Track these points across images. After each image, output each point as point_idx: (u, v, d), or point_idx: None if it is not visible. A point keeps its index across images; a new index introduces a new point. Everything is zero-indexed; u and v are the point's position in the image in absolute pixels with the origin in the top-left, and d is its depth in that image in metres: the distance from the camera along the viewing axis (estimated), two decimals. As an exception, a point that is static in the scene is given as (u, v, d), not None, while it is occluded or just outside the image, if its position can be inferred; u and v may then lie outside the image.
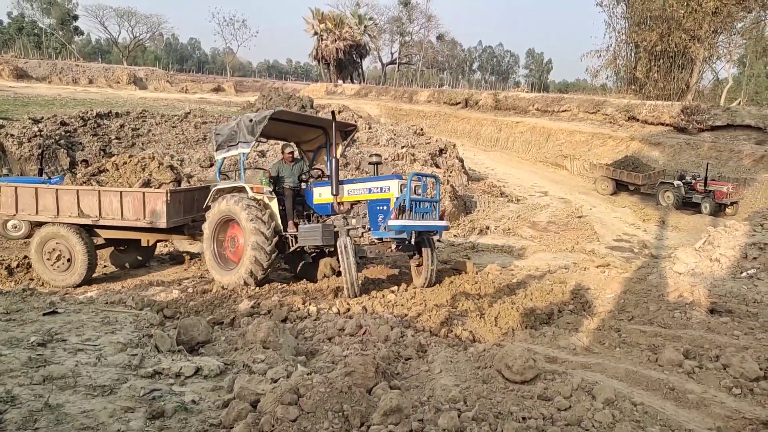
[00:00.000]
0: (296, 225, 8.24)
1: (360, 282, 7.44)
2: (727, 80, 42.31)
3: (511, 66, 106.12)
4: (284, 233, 8.20)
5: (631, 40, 37.93)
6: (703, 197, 21.09)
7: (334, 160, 7.93)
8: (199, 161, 17.65)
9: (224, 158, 9.00)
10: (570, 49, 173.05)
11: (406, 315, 6.25)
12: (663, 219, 19.67)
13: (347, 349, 4.76)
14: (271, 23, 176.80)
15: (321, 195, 8.32)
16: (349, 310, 6.59)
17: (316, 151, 9.72)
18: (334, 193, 7.84)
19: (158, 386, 3.54)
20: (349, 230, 7.84)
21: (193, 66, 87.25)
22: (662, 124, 29.89)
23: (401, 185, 7.36)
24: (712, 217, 20.09)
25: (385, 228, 7.24)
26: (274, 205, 8.23)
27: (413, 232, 7.24)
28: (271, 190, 8.40)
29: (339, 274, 8.83)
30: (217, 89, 54.27)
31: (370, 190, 7.76)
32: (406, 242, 7.30)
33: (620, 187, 24.68)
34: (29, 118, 18.89)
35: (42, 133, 17.44)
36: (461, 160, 22.60)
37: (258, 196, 8.20)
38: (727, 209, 20.73)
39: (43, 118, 19.41)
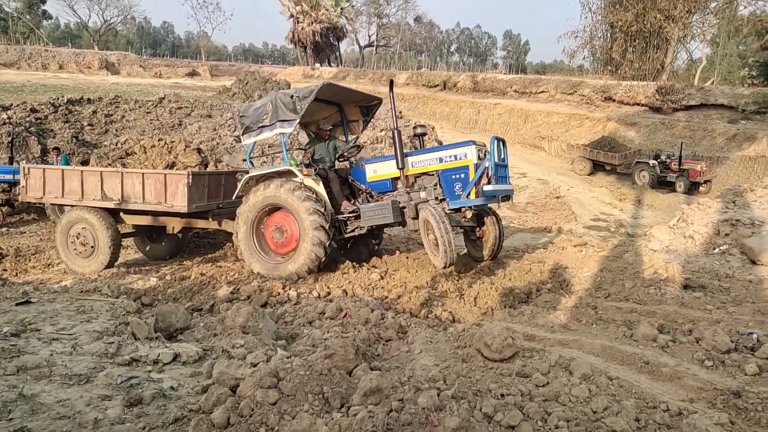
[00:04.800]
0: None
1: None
2: (700, 60, 42.91)
3: (489, 48, 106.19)
4: (337, 216, 7.71)
5: (607, 20, 38.09)
6: (677, 176, 21.48)
7: (396, 132, 7.41)
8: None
9: (255, 143, 8.21)
10: (547, 30, 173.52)
11: (386, 297, 6.27)
12: (639, 198, 19.98)
13: (328, 332, 4.76)
14: (245, 6, 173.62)
15: (376, 171, 7.85)
16: (329, 293, 6.60)
17: (331, 130, 9.10)
18: (401, 166, 7.45)
19: (136, 374, 3.51)
20: (417, 204, 7.42)
21: (167, 50, 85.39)
22: (638, 104, 30.24)
23: (478, 151, 7.09)
24: (686, 195, 20.48)
25: (467, 196, 6.93)
26: (322, 189, 7.70)
27: (500, 197, 7.08)
28: (316, 172, 7.86)
29: (371, 255, 8.76)
30: (192, 74, 53.29)
31: (441, 160, 7.31)
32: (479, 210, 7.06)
33: (597, 167, 24.98)
34: (-3, 105, 18.37)
35: (11, 120, 16.94)
36: (440, 143, 22.59)
37: (308, 181, 7.63)
38: (700, 187, 21.15)
39: (12, 104, 18.84)
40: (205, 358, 3.99)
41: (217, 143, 16.84)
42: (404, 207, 7.48)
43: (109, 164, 12.84)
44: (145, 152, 13.42)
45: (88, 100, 21.75)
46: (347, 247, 8.98)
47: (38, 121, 18.17)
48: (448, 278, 7.07)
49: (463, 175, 7.09)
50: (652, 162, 22.24)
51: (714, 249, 7.22)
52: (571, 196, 19.25)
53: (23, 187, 8.93)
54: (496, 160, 7.05)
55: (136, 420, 2.94)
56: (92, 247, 8.45)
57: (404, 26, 77.13)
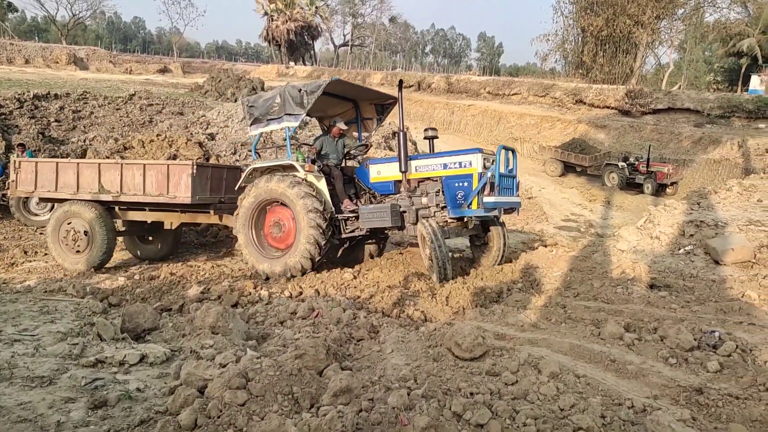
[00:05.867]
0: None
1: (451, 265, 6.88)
2: (668, 65, 43.98)
3: (463, 49, 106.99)
4: (337, 216, 7.56)
5: (579, 24, 38.75)
6: (645, 178, 21.95)
7: (401, 133, 7.27)
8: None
9: (261, 134, 8.25)
10: (521, 33, 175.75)
11: (358, 297, 6.26)
12: (608, 199, 20.36)
13: (299, 332, 4.72)
14: (219, 2, 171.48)
15: (380, 173, 7.73)
16: (301, 293, 6.56)
17: (346, 130, 8.91)
18: (403, 169, 7.25)
19: (101, 375, 3.44)
20: (418, 210, 7.28)
21: (138, 46, 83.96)
22: (608, 108, 30.84)
23: (485, 159, 6.92)
24: (653, 196, 20.93)
25: (468, 206, 6.78)
26: (323, 185, 7.57)
27: (502, 209, 6.91)
28: (319, 168, 7.73)
29: (374, 257, 8.68)
30: (164, 70, 52.51)
31: (445, 166, 7.15)
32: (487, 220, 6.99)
33: (568, 168, 25.39)
34: (-41, 100, 17.81)
35: (-26, 115, 16.47)
36: (414, 144, 22.65)
37: (310, 177, 7.51)
38: (667, 189, 21.64)
39: (-26, 99, 18.33)
40: (173, 359, 3.93)
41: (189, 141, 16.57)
42: (405, 211, 7.34)
43: (107, 157, 12.52)
44: (144, 146, 13.10)
45: (55, 95, 21.23)
46: (339, 252, 8.83)
47: (2, 116, 17.69)
48: (420, 278, 7.10)
49: (466, 184, 6.94)
50: (621, 164, 22.70)
51: (679, 249, 7.38)
52: (543, 196, 19.52)
53: (13, 181, 8.66)
54: (502, 170, 6.93)
55: (100, 422, 2.88)
56: (86, 242, 8.22)
57: (379, 26, 77.26)
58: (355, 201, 7.88)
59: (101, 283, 7.12)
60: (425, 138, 8.10)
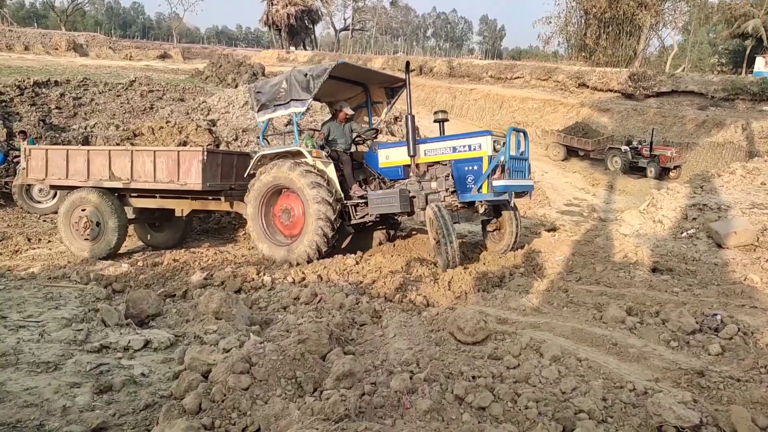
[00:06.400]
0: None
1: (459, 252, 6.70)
2: (672, 47, 43.54)
3: (465, 33, 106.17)
4: (346, 202, 7.51)
5: (581, 6, 38.33)
6: (648, 162, 21.84)
7: (409, 116, 7.21)
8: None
9: (269, 120, 8.16)
10: (523, 15, 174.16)
11: (361, 282, 6.28)
12: (611, 183, 20.28)
13: (302, 317, 4.75)
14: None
15: (389, 157, 7.67)
16: (304, 279, 6.58)
17: (355, 111, 8.84)
18: (412, 154, 7.18)
19: (105, 360, 3.47)
20: (427, 195, 7.17)
21: (137, 32, 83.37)
22: (611, 91, 30.60)
23: (495, 142, 6.80)
24: (657, 180, 20.84)
25: (478, 190, 6.68)
26: (331, 171, 7.50)
27: (513, 192, 6.82)
28: (327, 154, 7.67)
29: (388, 241, 8.61)
30: (164, 56, 52.09)
31: (454, 149, 7.05)
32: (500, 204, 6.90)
33: (571, 152, 25.26)
34: (-41, 87, 17.74)
35: (-26, 103, 16.43)
36: (417, 128, 22.55)
37: (318, 163, 7.43)
38: (670, 173, 21.54)
39: (-26, 87, 18.25)
40: (177, 345, 3.96)
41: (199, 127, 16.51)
42: (414, 196, 7.23)
43: (117, 144, 12.50)
44: (154, 133, 13.05)
45: (56, 82, 21.11)
46: (347, 239, 8.77)
47: (3, 104, 17.64)
48: (422, 263, 7.10)
49: (476, 167, 6.84)
50: (624, 148, 22.58)
51: (682, 233, 7.37)
52: (545, 181, 19.44)
53: (24, 168, 8.66)
54: (513, 152, 6.80)
55: (105, 407, 2.91)
56: (96, 233, 8.22)
57: (380, 10, 76.69)
58: (364, 187, 7.82)
59: (105, 270, 7.14)
60: (435, 121, 8.00)
